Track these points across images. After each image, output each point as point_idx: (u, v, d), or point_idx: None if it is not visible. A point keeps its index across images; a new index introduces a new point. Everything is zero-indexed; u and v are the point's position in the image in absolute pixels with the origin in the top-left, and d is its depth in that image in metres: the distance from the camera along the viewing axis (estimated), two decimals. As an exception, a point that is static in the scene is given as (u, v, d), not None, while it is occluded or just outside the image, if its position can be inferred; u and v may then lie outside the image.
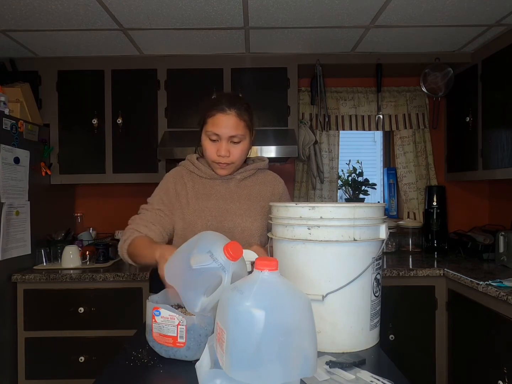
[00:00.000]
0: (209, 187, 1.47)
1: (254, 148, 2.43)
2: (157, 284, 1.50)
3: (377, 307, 1.14)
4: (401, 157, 2.96)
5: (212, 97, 1.46)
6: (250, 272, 0.85)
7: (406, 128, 2.94)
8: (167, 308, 1.00)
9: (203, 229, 1.39)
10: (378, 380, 0.89)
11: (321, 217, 1.05)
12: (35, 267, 2.34)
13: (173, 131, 2.62)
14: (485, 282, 1.84)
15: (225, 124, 1.35)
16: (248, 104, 1.43)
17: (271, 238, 1.19)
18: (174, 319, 0.98)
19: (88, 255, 2.45)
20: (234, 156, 1.39)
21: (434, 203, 2.75)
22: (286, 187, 1.59)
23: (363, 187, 3.02)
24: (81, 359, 2.24)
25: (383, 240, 1.11)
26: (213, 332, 0.86)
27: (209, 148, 1.39)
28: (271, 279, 0.75)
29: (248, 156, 1.54)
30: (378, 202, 2.50)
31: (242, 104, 1.39)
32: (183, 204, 1.45)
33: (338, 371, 0.93)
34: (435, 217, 2.74)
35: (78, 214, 2.97)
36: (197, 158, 1.51)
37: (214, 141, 1.38)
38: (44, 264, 2.38)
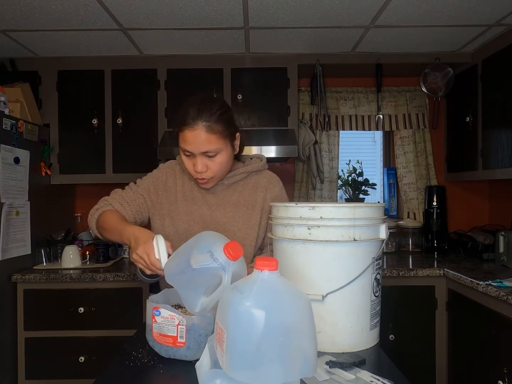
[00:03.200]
0: (196, 190, 1.41)
1: (254, 148, 2.42)
2: (157, 284, 1.50)
3: (377, 307, 1.14)
4: (401, 157, 2.96)
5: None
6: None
7: (406, 128, 2.94)
8: (167, 308, 1.00)
9: (183, 232, 1.36)
10: (378, 380, 0.89)
11: (321, 217, 1.05)
12: (35, 267, 2.34)
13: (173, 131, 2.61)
14: (485, 282, 1.83)
15: (194, 140, 1.24)
16: (224, 108, 1.29)
17: (271, 238, 1.19)
18: (174, 319, 0.98)
19: (88, 255, 2.45)
20: (213, 170, 1.30)
21: (434, 203, 2.75)
22: (283, 190, 1.48)
23: (363, 187, 3.02)
24: (81, 359, 2.24)
25: (383, 240, 1.11)
26: (213, 332, 0.86)
27: (186, 163, 1.31)
28: (271, 279, 0.75)
29: (243, 154, 1.47)
30: (378, 202, 2.50)
31: (214, 112, 1.25)
32: (171, 200, 1.41)
33: (338, 371, 0.93)
34: (435, 217, 2.74)
35: (78, 214, 2.97)
36: None
37: (188, 156, 1.29)
38: (44, 264, 2.38)
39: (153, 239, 1.09)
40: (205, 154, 1.26)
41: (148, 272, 1.11)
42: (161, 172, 1.46)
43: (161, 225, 1.40)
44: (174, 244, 1.19)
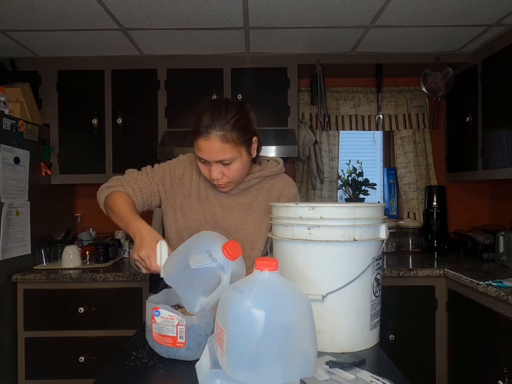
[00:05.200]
0: (210, 190, 1.40)
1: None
2: (157, 284, 1.50)
3: (377, 307, 1.14)
4: (401, 157, 2.96)
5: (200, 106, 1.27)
6: None
7: (406, 128, 2.94)
8: (166, 309, 1.00)
9: (193, 229, 1.36)
10: (378, 380, 0.89)
11: (321, 217, 1.05)
12: (35, 267, 2.34)
13: (173, 131, 2.62)
14: (485, 282, 1.83)
15: (208, 150, 1.21)
16: (239, 115, 1.24)
17: (271, 238, 1.19)
18: (174, 319, 0.98)
19: (88, 255, 2.45)
20: (229, 177, 1.28)
21: (434, 203, 2.75)
22: (298, 196, 1.45)
23: (363, 187, 3.02)
24: (81, 359, 2.24)
25: (383, 240, 1.11)
26: (213, 332, 0.86)
27: (202, 169, 1.30)
28: (271, 279, 0.75)
29: (260, 154, 1.43)
30: (378, 202, 2.50)
31: (228, 120, 1.21)
32: (184, 195, 1.40)
33: (338, 371, 0.93)
34: (435, 217, 2.74)
35: (78, 214, 2.97)
36: None
37: (204, 162, 1.27)
38: (44, 264, 2.38)
39: (157, 244, 1.10)
40: (220, 162, 1.24)
41: (144, 271, 1.13)
42: (179, 164, 1.43)
43: (173, 217, 1.40)
44: (184, 239, 1.20)
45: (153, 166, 1.44)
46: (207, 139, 1.20)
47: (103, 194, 1.37)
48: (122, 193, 1.33)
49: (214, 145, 1.20)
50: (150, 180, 1.38)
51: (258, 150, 1.38)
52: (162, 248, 1.09)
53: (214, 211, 1.38)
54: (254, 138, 1.31)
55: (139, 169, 1.44)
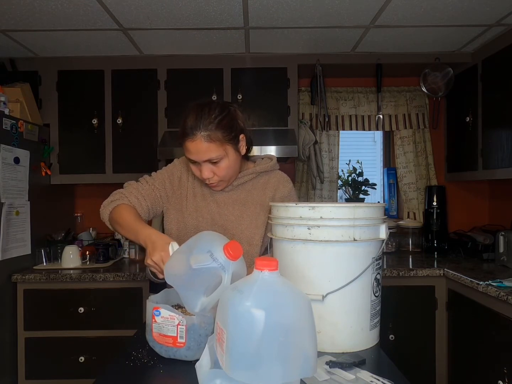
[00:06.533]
0: (205, 188, 1.42)
1: (254, 148, 2.41)
2: (157, 284, 1.49)
3: (377, 307, 1.14)
4: (401, 157, 2.96)
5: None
6: None
7: (406, 128, 2.94)
8: (167, 308, 1.00)
9: (192, 228, 1.38)
10: (378, 380, 0.89)
11: (321, 217, 1.05)
12: (35, 267, 2.34)
13: (173, 131, 2.61)
14: (485, 282, 1.83)
15: (195, 150, 1.25)
16: (223, 114, 1.27)
17: (271, 238, 1.20)
18: (174, 319, 0.98)
19: (88, 255, 2.45)
20: (219, 175, 1.31)
21: (434, 203, 2.75)
22: (293, 191, 1.48)
23: (363, 187, 3.02)
24: (81, 359, 2.24)
25: (383, 240, 1.11)
26: (213, 332, 0.86)
27: (193, 170, 1.33)
28: (271, 279, 0.75)
29: (252, 154, 1.47)
30: (378, 202, 2.50)
31: (212, 120, 1.24)
32: (183, 196, 1.42)
33: (338, 371, 0.93)
34: (435, 217, 2.74)
35: (78, 214, 2.97)
36: None
37: (194, 163, 1.31)
38: (44, 264, 2.38)
39: (169, 246, 1.10)
40: (208, 161, 1.27)
41: (161, 276, 1.12)
42: (176, 167, 1.46)
43: (175, 219, 1.41)
44: (184, 238, 1.21)
45: (150, 175, 1.46)
46: (193, 140, 1.24)
47: (107, 210, 1.36)
48: (126, 205, 1.34)
49: (200, 145, 1.24)
50: (152, 187, 1.40)
51: (248, 147, 1.40)
52: (174, 249, 1.09)
53: (210, 208, 1.41)
54: (241, 136, 1.33)
55: (139, 170, 1.45)
